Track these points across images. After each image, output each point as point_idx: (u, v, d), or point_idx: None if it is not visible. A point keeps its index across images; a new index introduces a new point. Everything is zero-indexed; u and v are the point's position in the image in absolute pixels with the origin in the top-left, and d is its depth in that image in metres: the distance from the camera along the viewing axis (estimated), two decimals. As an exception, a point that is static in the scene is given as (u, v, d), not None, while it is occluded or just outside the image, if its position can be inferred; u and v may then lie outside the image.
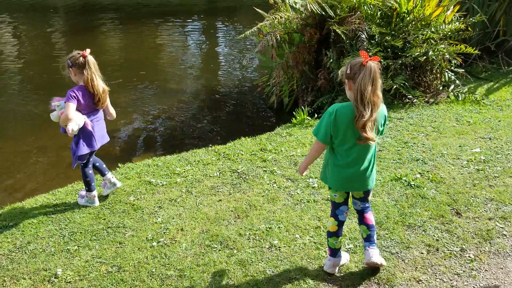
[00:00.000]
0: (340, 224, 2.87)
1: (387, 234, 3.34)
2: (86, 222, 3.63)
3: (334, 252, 2.91)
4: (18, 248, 3.34)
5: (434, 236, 3.31)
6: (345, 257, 3.03)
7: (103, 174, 3.99)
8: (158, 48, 10.82)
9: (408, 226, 3.43)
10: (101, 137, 3.80)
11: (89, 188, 3.83)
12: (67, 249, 3.30)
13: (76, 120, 3.51)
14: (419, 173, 4.17)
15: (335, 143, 2.67)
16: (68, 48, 10.57)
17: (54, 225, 3.60)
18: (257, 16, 7.41)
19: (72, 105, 3.47)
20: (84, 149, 3.64)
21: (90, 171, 3.84)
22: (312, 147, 2.80)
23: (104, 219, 3.66)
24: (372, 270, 2.97)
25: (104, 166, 4.01)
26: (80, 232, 3.49)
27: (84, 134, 3.63)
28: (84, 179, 3.82)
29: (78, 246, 3.32)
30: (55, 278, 3.01)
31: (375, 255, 2.85)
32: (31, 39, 11.69)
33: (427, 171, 4.19)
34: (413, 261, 3.07)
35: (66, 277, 3.01)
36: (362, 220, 2.92)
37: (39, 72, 8.93)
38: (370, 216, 2.91)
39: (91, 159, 3.85)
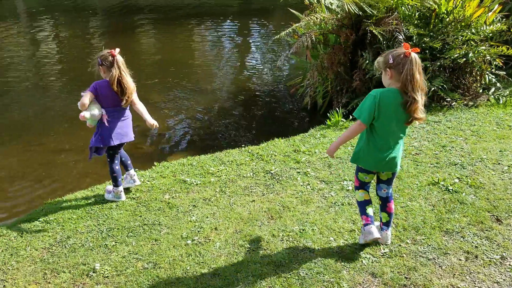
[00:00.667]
0: (368, 192, 3.10)
1: (423, 239, 3.27)
2: (123, 218, 3.71)
3: (370, 220, 3.07)
4: (58, 242, 3.45)
5: (473, 242, 3.22)
6: (379, 233, 3.14)
7: (126, 169, 4.12)
8: (193, 49, 10.96)
9: (445, 231, 3.35)
10: (121, 135, 3.83)
11: (115, 184, 3.94)
12: (105, 244, 3.38)
13: (91, 110, 3.65)
14: (457, 177, 4.07)
15: (375, 125, 2.83)
16: (105, 48, 10.84)
17: (92, 221, 3.70)
18: (291, 17, 7.40)
19: (90, 94, 3.64)
20: (97, 143, 3.76)
21: (117, 167, 3.94)
22: (350, 128, 2.93)
23: (140, 216, 3.74)
24: (406, 276, 2.93)
25: (130, 162, 4.13)
26: (117, 228, 3.57)
27: (102, 128, 3.76)
28: (111, 175, 3.93)
29: (116, 242, 3.40)
30: (93, 272, 3.09)
31: (389, 238, 3.23)
32: (71, 39, 12.06)
33: (466, 176, 4.08)
34: (450, 268, 3.00)
35: (104, 271, 3.09)
36: (385, 208, 3.15)
37: (78, 72, 9.18)
38: (392, 205, 3.16)
39: (117, 155, 3.94)
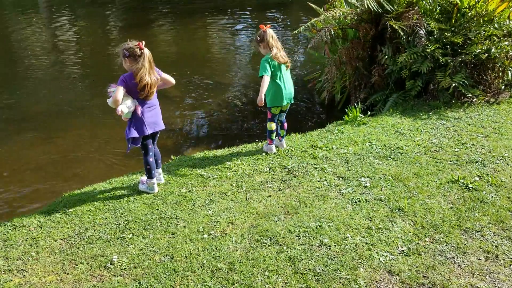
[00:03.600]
0: (276, 125, 4.62)
1: (442, 237, 3.22)
2: (141, 211, 3.74)
3: (273, 142, 4.67)
4: (76, 234, 3.49)
5: (493, 242, 3.17)
6: (279, 144, 4.79)
7: (155, 168, 4.11)
8: (210, 42, 10.97)
9: (465, 230, 3.30)
10: (153, 124, 3.87)
11: (149, 176, 3.96)
12: (123, 237, 3.41)
13: (126, 103, 3.63)
14: (478, 175, 4.00)
15: (276, 76, 4.31)
16: (123, 42, 10.90)
17: (110, 213, 3.74)
18: (310, 11, 7.34)
19: (121, 88, 3.59)
20: (133, 133, 3.75)
21: (151, 159, 3.96)
22: (263, 82, 4.21)
23: (158, 209, 3.76)
24: (424, 274, 2.89)
25: (160, 162, 4.17)
26: (135, 221, 3.60)
27: (136, 119, 3.76)
28: (145, 167, 3.96)
29: (133, 235, 3.43)
30: (111, 264, 3.12)
31: (284, 144, 4.81)
32: (90, 32, 12.16)
33: (487, 174, 4.01)
34: (470, 267, 2.95)
35: (121, 264, 3.12)
36: (282, 127, 4.71)
37: (95, 65, 9.27)
38: (285, 124, 4.72)
39: (150, 147, 3.96)
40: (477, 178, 3.96)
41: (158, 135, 4.08)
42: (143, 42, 3.66)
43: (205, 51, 10.17)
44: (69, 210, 3.80)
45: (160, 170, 4.17)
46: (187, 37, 11.37)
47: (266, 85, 4.26)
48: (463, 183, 3.88)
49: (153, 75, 3.72)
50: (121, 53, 3.69)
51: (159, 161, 4.16)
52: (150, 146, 3.95)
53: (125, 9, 15.25)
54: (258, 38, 4.30)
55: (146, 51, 3.64)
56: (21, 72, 8.86)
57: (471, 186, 3.82)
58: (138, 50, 3.61)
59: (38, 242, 3.40)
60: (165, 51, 10.17)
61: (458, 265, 2.97)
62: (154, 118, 3.87)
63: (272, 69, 4.28)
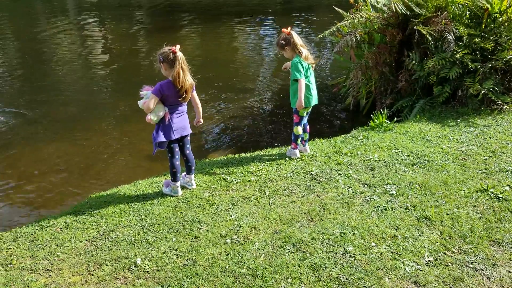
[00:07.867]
0: (302, 128, 4.61)
1: (470, 248, 3.14)
2: (164, 214, 3.76)
3: (297, 147, 4.68)
4: (101, 235, 3.53)
5: (524, 255, 3.07)
6: (302, 149, 4.78)
7: (188, 173, 4.17)
8: (235, 47, 11.00)
9: (494, 241, 3.20)
10: (181, 129, 3.93)
11: (174, 178, 4.00)
12: (146, 239, 3.43)
13: (156, 111, 3.74)
14: (508, 185, 3.88)
15: (306, 78, 4.31)
16: (150, 45, 11.05)
17: (134, 215, 3.77)
18: (335, 15, 7.29)
19: (155, 97, 3.69)
20: (161, 137, 3.82)
21: (177, 163, 4.00)
22: (300, 86, 4.23)
23: (181, 212, 3.77)
24: (451, 286, 2.82)
25: (193, 168, 4.18)
26: (159, 224, 3.62)
27: (164, 124, 3.82)
28: (171, 170, 4.00)
29: (157, 237, 3.45)
30: (134, 266, 3.14)
31: (308, 148, 4.80)
32: (117, 36, 12.36)
33: (518, 184, 3.89)
34: (499, 280, 2.86)
35: (145, 266, 3.13)
36: (306, 130, 4.71)
37: (123, 68, 9.40)
38: (308, 127, 4.74)
39: (177, 150, 3.99)
40: (507, 188, 3.84)
41: (188, 139, 4.09)
42: (178, 46, 3.70)
43: (230, 56, 10.21)
44: (95, 212, 3.85)
45: (192, 176, 4.18)
46: (212, 41, 11.45)
47: (304, 88, 4.26)
48: (492, 192, 3.77)
49: (189, 78, 3.78)
50: (157, 59, 3.77)
51: (193, 168, 4.17)
52: (177, 150, 3.99)
53: (153, 13, 15.46)
54: (283, 42, 4.27)
55: (180, 54, 3.69)
56: (50, 75, 9.06)
57: (501, 196, 3.71)
58: (171, 54, 3.66)
59: (64, 242, 3.45)
60: (191, 55, 10.24)
61: (487, 277, 2.89)
62: (182, 123, 3.93)
63: (304, 71, 4.27)
